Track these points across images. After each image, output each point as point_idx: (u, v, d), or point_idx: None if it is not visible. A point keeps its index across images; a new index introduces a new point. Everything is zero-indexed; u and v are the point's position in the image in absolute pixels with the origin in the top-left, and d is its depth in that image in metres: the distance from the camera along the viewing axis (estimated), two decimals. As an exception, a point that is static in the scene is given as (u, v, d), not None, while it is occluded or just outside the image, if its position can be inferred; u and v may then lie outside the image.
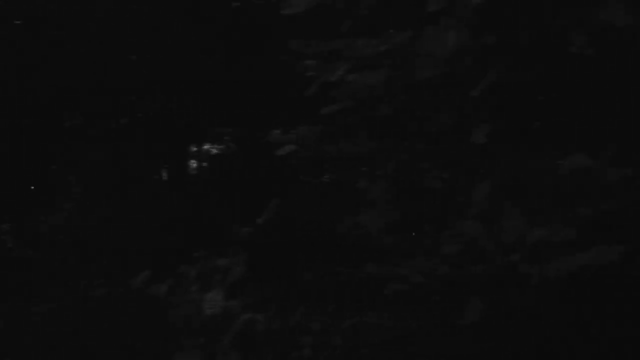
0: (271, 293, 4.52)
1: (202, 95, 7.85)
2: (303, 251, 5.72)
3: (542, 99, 4.53)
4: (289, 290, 4.37)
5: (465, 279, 3.83)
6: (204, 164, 13.25)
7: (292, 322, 4.95)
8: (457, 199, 4.55)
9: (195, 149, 13.11)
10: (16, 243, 7.78)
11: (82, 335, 5.16)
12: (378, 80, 4.78)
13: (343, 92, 4.64)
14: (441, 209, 4.50)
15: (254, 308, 4.55)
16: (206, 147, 13.41)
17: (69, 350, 5.04)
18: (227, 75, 7.27)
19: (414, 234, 4.28)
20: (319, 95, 4.61)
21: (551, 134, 4.64)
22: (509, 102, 4.63)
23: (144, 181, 9.21)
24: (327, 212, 6.04)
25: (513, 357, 4.03)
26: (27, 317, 5.41)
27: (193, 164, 13.73)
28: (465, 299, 3.76)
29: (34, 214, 8.28)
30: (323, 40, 4.79)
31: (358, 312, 4.27)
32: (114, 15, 8.54)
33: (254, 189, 6.04)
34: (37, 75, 8.89)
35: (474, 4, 4.42)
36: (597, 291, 4.19)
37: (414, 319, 3.94)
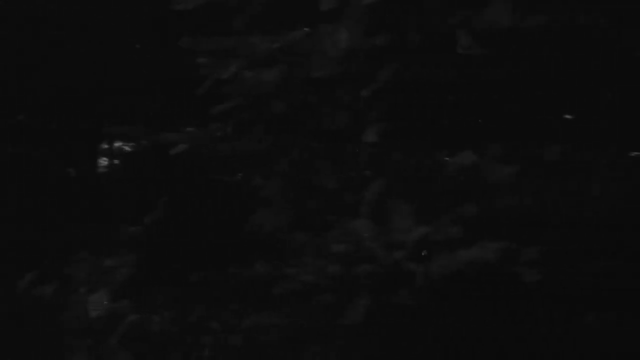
0: (164, 294, 4.40)
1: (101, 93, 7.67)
2: (194, 251, 5.62)
3: (433, 99, 4.54)
4: (183, 290, 4.26)
5: (353, 279, 3.78)
6: (116, 162, 13.01)
7: (189, 323, 4.84)
8: (350, 198, 4.50)
9: (106, 146, 12.85)
10: None
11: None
12: (273, 77, 4.70)
13: (236, 90, 4.55)
14: (334, 208, 4.44)
15: (148, 309, 4.42)
16: (118, 145, 13.16)
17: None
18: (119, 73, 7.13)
19: (306, 232, 4.22)
20: (212, 93, 4.50)
21: (441, 132, 4.65)
22: (400, 101, 4.61)
23: (49, 179, 8.97)
24: (223, 211, 5.95)
25: (399, 355, 4.01)
26: None
27: (104, 161, 13.47)
28: (351, 298, 3.71)
29: None
30: (215, 37, 4.69)
31: (253, 312, 4.18)
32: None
33: (150, 187, 5.90)
34: None
35: (365, 4, 4.38)
36: (480, 288, 4.21)
37: (305, 319, 3.88)
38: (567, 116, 7.02)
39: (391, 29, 4.48)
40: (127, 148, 13.14)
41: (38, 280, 4.61)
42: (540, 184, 7.18)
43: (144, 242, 4.19)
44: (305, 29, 4.61)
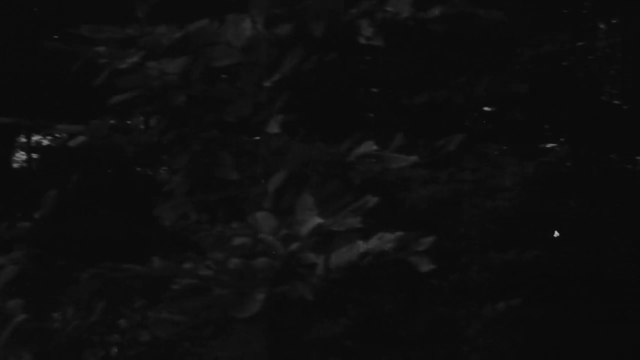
0: (59, 291, 4.20)
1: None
2: (88, 247, 5.43)
3: (336, 89, 4.45)
4: (78, 288, 4.08)
5: (252, 272, 3.66)
6: (35, 156, 12.66)
7: (92, 320, 4.65)
8: (253, 190, 4.38)
9: (24, 140, 12.48)
10: None
11: None
12: (175, 68, 4.53)
13: (135, 80, 4.37)
14: (237, 201, 4.31)
15: (43, 307, 4.22)
16: (36, 138, 12.80)
17: None
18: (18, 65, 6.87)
19: (207, 226, 4.08)
20: (110, 84, 4.31)
21: (344, 123, 4.57)
22: (303, 92, 4.50)
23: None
24: (122, 205, 5.78)
25: (298, 348, 3.91)
26: None
27: (22, 155, 13.07)
28: (248, 292, 3.58)
29: None
30: (116, 26, 4.50)
31: (152, 308, 4.02)
32: None
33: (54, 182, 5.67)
34: None
35: (268, -7, 4.26)
36: (377, 279, 4.14)
37: (205, 313, 3.74)
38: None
39: (294, 19, 4.37)
40: (45, 142, 12.80)
41: None
42: (444, 175, 7.21)
43: (34, 238, 3.98)
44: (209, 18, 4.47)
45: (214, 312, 3.70)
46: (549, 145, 10.91)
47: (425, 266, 3.53)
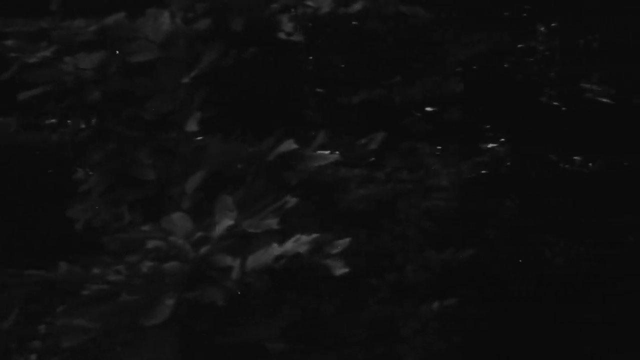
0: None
1: None
2: None
3: (262, 87, 4.23)
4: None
5: (162, 277, 3.42)
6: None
7: (4, 327, 4.37)
8: (171, 190, 4.14)
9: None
10: None
11: None
12: (91, 63, 4.27)
13: (46, 75, 4.10)
14: (154, 201, 4.06)
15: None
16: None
17: None
18: None
19: (121, 227, 3.83)
20: (20, 79, 4.04)
21: (273, 121, 4.36)
22: (222, 88, 4.28)
23: None
24: (32, 206, 5.48)
25: (212, 353, 3.68)
26: None
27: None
28: (158, 297, 3.35)
29: None
30: (29, 19, 4.23)
31: (61, 315, 3.75)
32: None
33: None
34: None
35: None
36: (291, 282, 3.94)
37: (115, 319, 3.49)
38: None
39: (214, 14, 4.15)
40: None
41: None
42: (382, 175, 7.05)
43: None
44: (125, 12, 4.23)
45: (124, 318, 3.46)
46: (490, 145, 10.84)
47: (339, 269, 3.32)
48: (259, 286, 3.36)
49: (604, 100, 12.54)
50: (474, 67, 9.66)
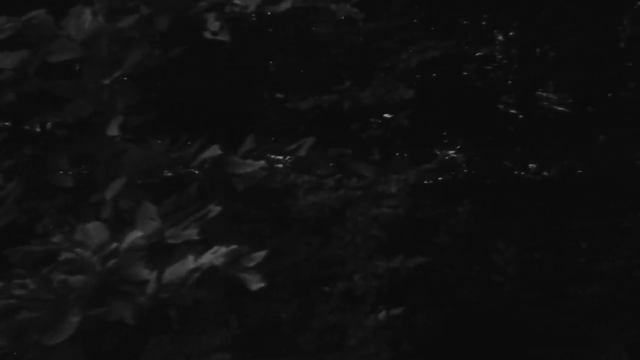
0: None
1: None
2: None
3: (182, 88, 3.98)
4: None
5: (68, 291, 3.12)
6: None
7: None
8: (89, 198, 3.84)
9: None
10: None
11: None
12: (10, 62, 3.95)
13: (-42, 76, 3.79)
14: (70, 210, 3.76)
15: None
16: None
17: None
18: None
19: (33, 238, 3.52)
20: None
21: (188, 124, 4.11)
22: (148, 90, 3.99)
23: None
24: None
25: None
26: None
27: None
28: (63, 314, 3.05)
29: None
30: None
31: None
32: None
33: None
34: None
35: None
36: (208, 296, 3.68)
37: (18, 336, 3.19)
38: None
39: (138, 12, 3.86)
40: None
41: None
42: (331, 181, 6.80)
43: None
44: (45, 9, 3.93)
45: (29, 335, 3.16)
46: (445, 152, 10.66)
47: (256, 284, 3.04)
48: (191, 298, 3.06)
49: (560, 108, 12.44)
50: (428, 74, 9.47)
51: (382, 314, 6.32)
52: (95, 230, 3.42)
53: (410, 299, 7.69)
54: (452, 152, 10.54)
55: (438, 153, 8.77)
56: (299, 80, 6.41)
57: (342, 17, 5.71)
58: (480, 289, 7.58)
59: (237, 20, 3.43)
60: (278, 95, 5.85)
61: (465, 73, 11.66)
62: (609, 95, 10.73)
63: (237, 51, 4.32)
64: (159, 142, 3.64)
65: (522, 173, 10.64)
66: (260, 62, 5.55)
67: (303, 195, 6.73)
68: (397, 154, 7.38)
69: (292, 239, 8.24)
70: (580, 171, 10.62)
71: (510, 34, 12.45)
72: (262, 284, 2.97)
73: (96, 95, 3.82)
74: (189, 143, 3.84)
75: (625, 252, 7.95)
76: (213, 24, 3.56)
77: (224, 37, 3.56)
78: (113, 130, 3.67)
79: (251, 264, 3.01)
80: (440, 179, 9.71)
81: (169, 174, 4.20)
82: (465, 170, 10.36)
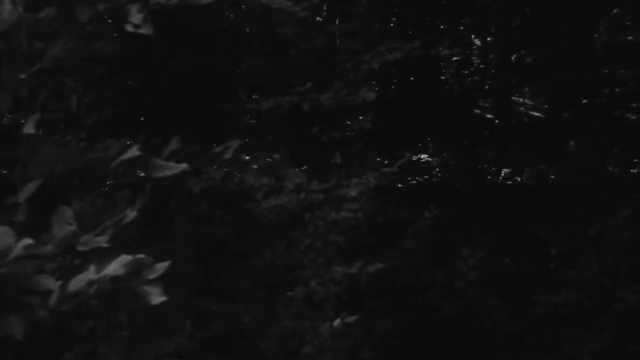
0: None
1: None
2: None
3: (102, 83, 3.71)
4: None
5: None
6: None
7: None
8: (7, 201, 3.56)
9: None
10: None
11: None
12: None
13: None
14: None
15: None
16: None
17: None
18: None
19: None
20: None
21: (113, 123, 3.85)
22: (64, 86, 3.72)
23: None
24: None
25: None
26: None
27: None
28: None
29: None
30: None
31: None
32: None
33: None
34: None
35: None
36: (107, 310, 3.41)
37: None
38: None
39: (59, 3, 3.58)
40: None
41: None
42: (290, 184, 6.52)
43: None
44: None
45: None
46: (424, 156, 10.39)
47: (156, 297, 2.76)
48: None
49: (536, 114, 12.19)
50: (396, 76, 9.21)
51: (337, 322, 6.06)
52: (1, 235, 3.14)
53: (371, 305, 7.43)
54: (426, 155, 10.31)
55: (408, 157, 8.50)
56: (258, 82, 6.15)
57: (302, 17, 5.46)
58: (444, 295, 7.32)
59: (163, 12, 3.16)
60: (242, 96, 5.58)
61: (442, 77, 11.43)
62: (584, 101, 10.51)
63: (164, 45, 4.07)
64: (79, 141, 3.36)
65: (495, 178, 10.40)
66: (218, 61, 5.31)
67: (263, 199, 6.46)
68: (358, 156, 7.10)
69: (257, 242, 7.97)
70: (553, 177, 10.39)
71: (488, 39, 12.23)
72: (163, 298, 2.69)
73: (15, 90, 3.56)
74: (129, 143, 3.56)
75: (594, 259, 7.72)
76: (136, 16, 3.29)
77: (146, 30, 3.29)
78: (29, 128, 3.39)
79: (152, 276, 2.73)
80: (412, 182, 9.45)
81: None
82: (439, 174, 10.12)
